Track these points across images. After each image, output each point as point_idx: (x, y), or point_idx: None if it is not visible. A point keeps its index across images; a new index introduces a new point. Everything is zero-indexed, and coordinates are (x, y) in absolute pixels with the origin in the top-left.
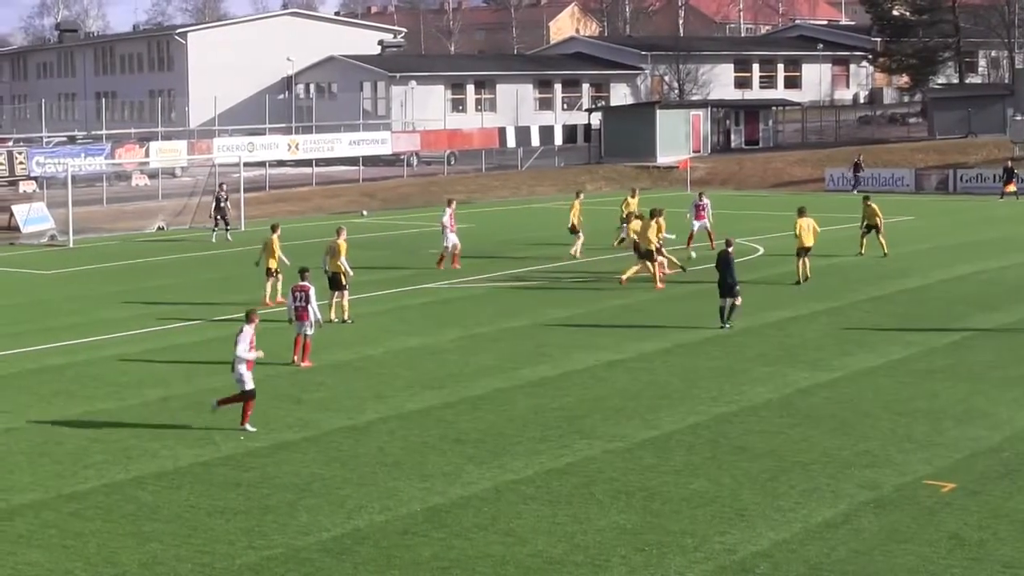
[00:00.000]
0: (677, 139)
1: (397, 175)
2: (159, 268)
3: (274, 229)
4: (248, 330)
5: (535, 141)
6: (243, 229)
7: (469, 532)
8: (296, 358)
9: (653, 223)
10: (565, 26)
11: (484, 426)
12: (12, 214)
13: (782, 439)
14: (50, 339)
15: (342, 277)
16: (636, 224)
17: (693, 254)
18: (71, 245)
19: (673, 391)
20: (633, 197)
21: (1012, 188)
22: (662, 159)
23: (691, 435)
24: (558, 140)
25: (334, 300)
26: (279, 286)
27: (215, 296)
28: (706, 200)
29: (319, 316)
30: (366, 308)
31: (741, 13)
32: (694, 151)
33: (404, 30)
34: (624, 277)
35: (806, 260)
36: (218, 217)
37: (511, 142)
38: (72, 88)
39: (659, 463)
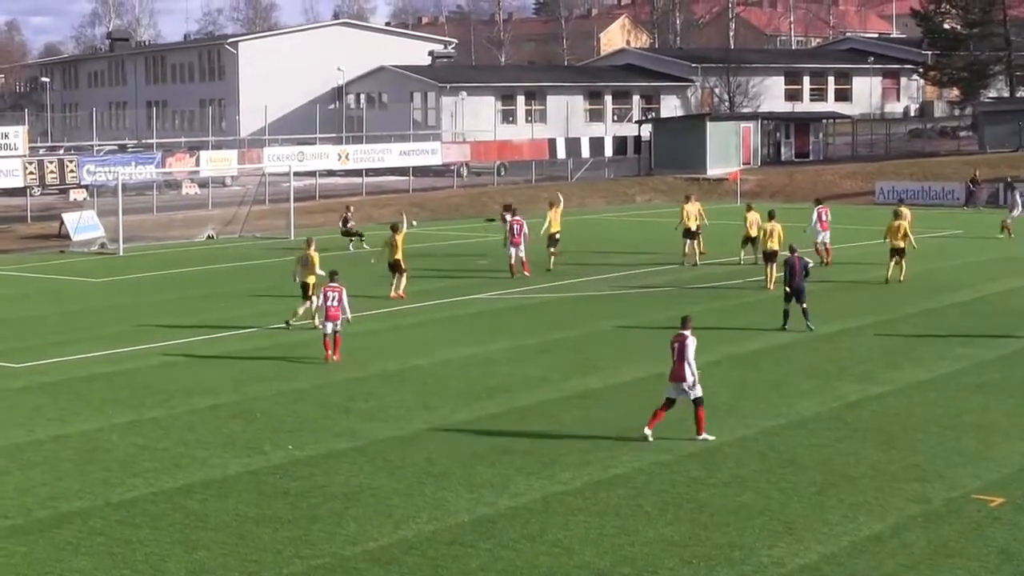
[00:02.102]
0: (727, 151)
1: (447, 186)
2: (208, 277)
3: (395, 229)
4: (693, 337)
5: (585, 152)
6: (292, 239)
7: (517, 543)
8: (329, 355)
9: (773, 224)
10: (615, 38)
11: (533, 437)
12: (63, 222)
13: (831, 452)
14: (99, 347)
15: (311, 287)
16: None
17: None
18: (121, 253)
19: (721, 403)
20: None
21: None
22: (712, 171)
23: (739, 447)
24: (608, 152)
25: (302, 308)
26: (403, 281)
27: (264, 305)
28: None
29: (349, 315)
30: (415, 318)
31: (792, 25)
32: (744, 163)
33: (454, 41)
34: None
35: (901, 262)
36: (345, 233)
37: (561, 153)
38: (123, 97)
39: (707, 475)
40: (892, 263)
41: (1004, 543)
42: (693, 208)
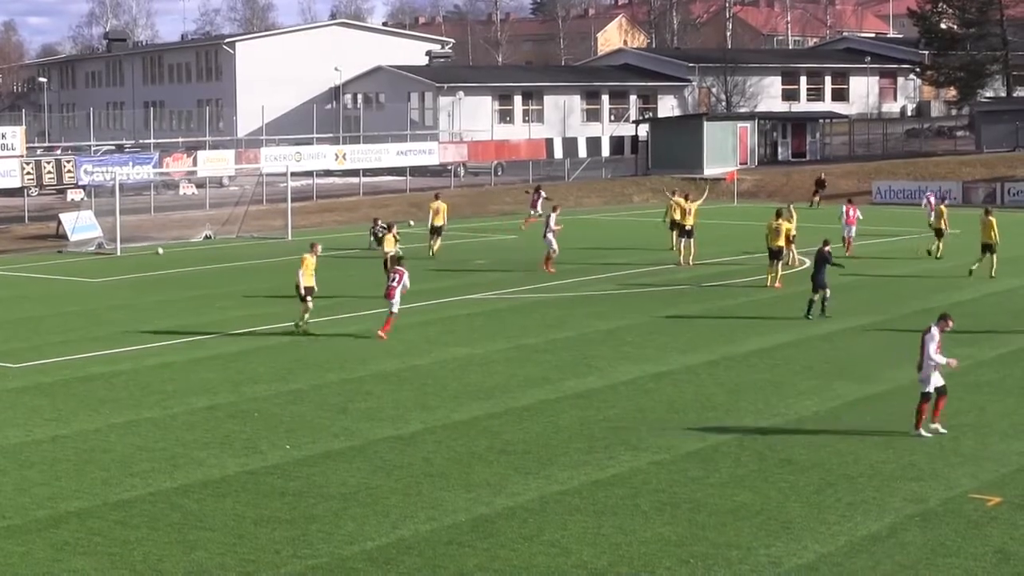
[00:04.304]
0: (724, 151)
1: (444, 186)
2: (205, 277)
3: (390, 228)
4: (936, 332)
5: (582, 152)
6: (290, 239)
7: (514, 543)
8: (383, 332)
9: (780, 223)
10: (613, 38)
11: (530, 437)
12: (60, 222)
13: (828, 452)
14: (97, 347)
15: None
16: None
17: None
18: (118, 254)
19: (719, 403)
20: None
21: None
22: (709, 171)
23: (737, 447)
24: (605, 151)
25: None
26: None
27: (261, 305)
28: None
29: (407, 286)
30: (414, 318)
31: (789, 25)
32: (741, 163)
33: (452, 41)
34: (777, 283)
35: (990, 257)
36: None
37: (558, 153)
38: (120, 97)
39: (705, 475)
40: (984, 257)
41: (1001, 542)
42: (687, 204)
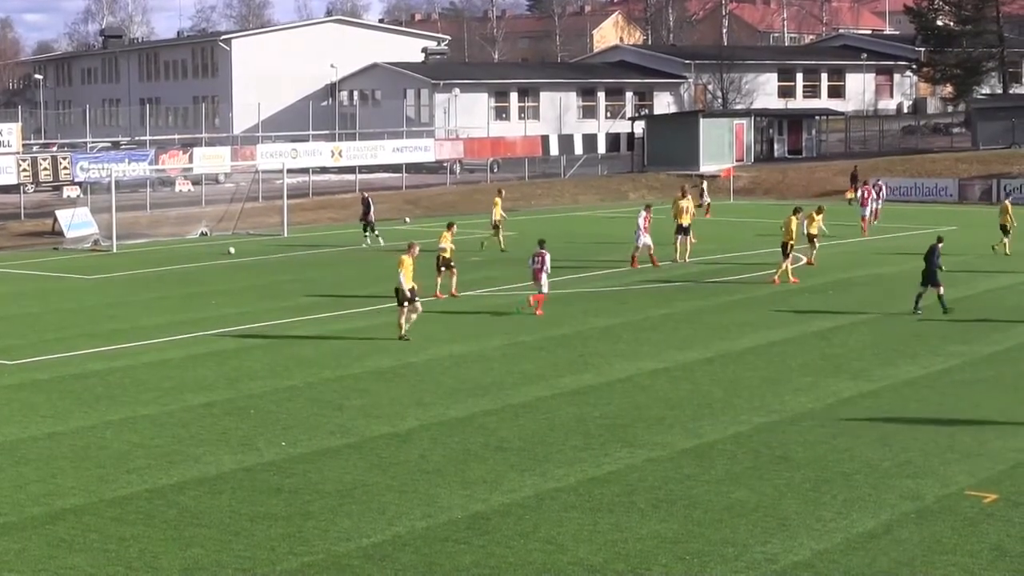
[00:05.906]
0: (720, 148)
1: (440, 183)
2: (201, 274)
3: (449, 227)
4: None
5: (578, 149)
6: (286, 235)
7: (510, 540)
8: (533, 306)
9: (790, 219)
10: (609, 34)
11: (526, 434)
12: (56, 219)
13: (824, 449)
14: (93, 344)
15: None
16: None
17: None
18: (114, 250)
19: (715, 400)
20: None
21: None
22: (705, 168)
23: (733, 444)
24: (601, 148)
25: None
26: (454, 280)
27: (257, 302)
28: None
29: (545, 278)
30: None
31: (785, 22)
32: (737, 160)
33: (448, 38)
34: (775, 279)
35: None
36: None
37: (554, 150)
38: (116, 94)
39: (701, 472)
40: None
41: (997, 539)
42: (686, 203)
